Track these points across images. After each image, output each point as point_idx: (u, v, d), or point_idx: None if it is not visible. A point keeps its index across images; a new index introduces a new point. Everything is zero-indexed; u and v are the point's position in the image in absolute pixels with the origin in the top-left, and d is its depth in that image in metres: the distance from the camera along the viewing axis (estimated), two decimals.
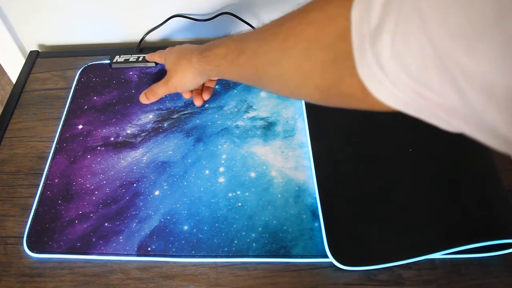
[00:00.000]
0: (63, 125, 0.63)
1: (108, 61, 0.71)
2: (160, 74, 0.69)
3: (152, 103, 0.65)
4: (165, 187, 0.56)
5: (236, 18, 0.72)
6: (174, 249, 0.50)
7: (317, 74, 0.33)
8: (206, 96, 0.63)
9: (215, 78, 0.63)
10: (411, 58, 0.23)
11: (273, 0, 0.71)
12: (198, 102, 0.63)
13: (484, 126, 0.22)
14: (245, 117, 0.63)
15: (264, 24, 0.40)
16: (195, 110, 0.64)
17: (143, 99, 0.62)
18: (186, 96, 0.64)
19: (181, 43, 0.78)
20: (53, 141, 0.61)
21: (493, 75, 0.19)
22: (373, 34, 0.25)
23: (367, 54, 0.26)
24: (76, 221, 0.53)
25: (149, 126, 0.62)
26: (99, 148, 0.60)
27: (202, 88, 0.63)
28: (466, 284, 0.48)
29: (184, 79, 0.56)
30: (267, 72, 0.39)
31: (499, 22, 0.18)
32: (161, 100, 0.65)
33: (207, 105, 0.64)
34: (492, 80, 0.19)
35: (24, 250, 0.51)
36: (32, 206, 0.54)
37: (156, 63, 0.70)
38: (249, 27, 0.72)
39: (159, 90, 0.60)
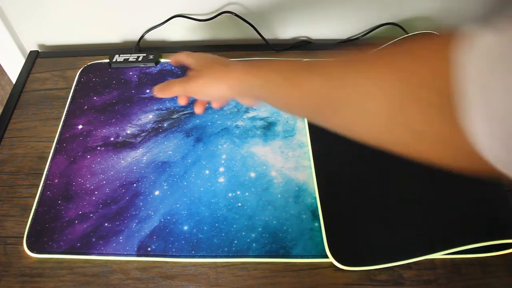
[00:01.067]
0: (63, 125, 0.63)
1: (108, 61, 0.71)
2: (160, 74, 0.69)
3: (151, 104, 0.65)
4: (165, 187, 0.56)
5: (237, 17, 0.72)
6: (174, 249, 0.50)
7: (407, 113, 0.28)
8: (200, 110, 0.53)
9: (251, 100, 0.50)
10: None
11: None
12: (198, 110, 0.53)
13: None
14: (245, 117, 0.63)
15: (343, 52, 0.34)
16: None
17: (158, 92, 0.50)
18: (182, 102, 0.52)
19: (181, 42, 0.79)
20: (53, 141, 0.61)
21: None
22: (484, 85, 0.22)
23: (476, 106, 0.23)
24: (76, 221, 0.53)
25: (149, 126, 0.62)
26: (99, 148, 0.60)
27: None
28: (466, 284, 0.48)
29: (212, 85, 0.45)
30: (348, 103, 0.31)
31: None
32: (161, 100, 0.65)
33: (207, 105, 0.64)
34: None
35: (24, 250, 0.51)
36: (32, 206, 0.54)
37: (157, 63, 0.70)
38: (249, 27, 0.72)
39: (174, 88, 0.49)
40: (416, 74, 0.27)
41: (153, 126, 0.62)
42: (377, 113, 0.30)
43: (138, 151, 0.60)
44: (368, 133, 0.33)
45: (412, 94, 0.27)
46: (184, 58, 0.53)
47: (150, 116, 0.64)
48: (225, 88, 0.44)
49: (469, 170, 0.27)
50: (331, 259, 0.48)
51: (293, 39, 0.78)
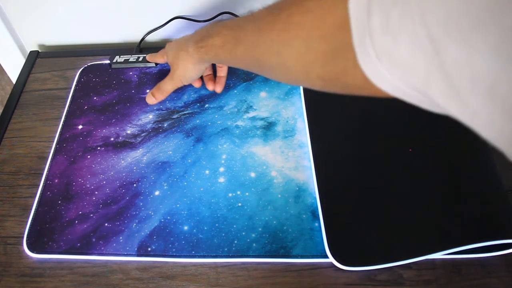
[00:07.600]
0: (63, 125, 0.63)
1: (108, 61, 0.71)
2: (160, 74, 0.69)
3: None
4: (165, 187, 0.56)
5: (236, 17, 0.72)
6: (174, 249, 0.50)
7: (318, 64, 0.33)
8: (219, 88, 0.64)
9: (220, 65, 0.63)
10: (403, 37, 0.24)
11: None
12: (210, 87, 0.64)
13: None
14: (245, 117, 0.63)
15: (259, 9, 0.40)
16: (195, 110, 0.64)
17: (150, 99, 0.62)
18: (196, 84, 0.65)
19: None
20: (53, 141, 0.61)
21: (481, 67, 0.20)
22: (371, 25, 0.26)
23: (366, 45, 0.26)
24: (76, 221, 0.53)
25: (149, 126, 0.62)
26: (99, 148, 0.60)
27: (210, 76, 0.65)
28: (466, 284, 0.48)
29: (186, 70, 0.56)
30: (268, 62, 0.39)
31: (495, 16, 0.19)
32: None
33: (207, 105, 0.64)
34: (480, 72, 0.20)
35: (24, 250, 0.51)
36: (32, 206, 0.55)
37: (156, 63, 0.70)
38: None
39: (166, 86, 0.60)
40: (318, 30, 0.32)
41: (153, 126, 0.62)
42: (293, 66, 0.36)
43: (138, 151, 0.60)
44: (291, 80, 0.42)
45: (314, 47, 0.33)
46: (160, 59, 0.66)
47: (150, 116, 0.64)
48: (193, 66, 0.55)
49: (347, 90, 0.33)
50: (331, 259, 0.48)
51: None
